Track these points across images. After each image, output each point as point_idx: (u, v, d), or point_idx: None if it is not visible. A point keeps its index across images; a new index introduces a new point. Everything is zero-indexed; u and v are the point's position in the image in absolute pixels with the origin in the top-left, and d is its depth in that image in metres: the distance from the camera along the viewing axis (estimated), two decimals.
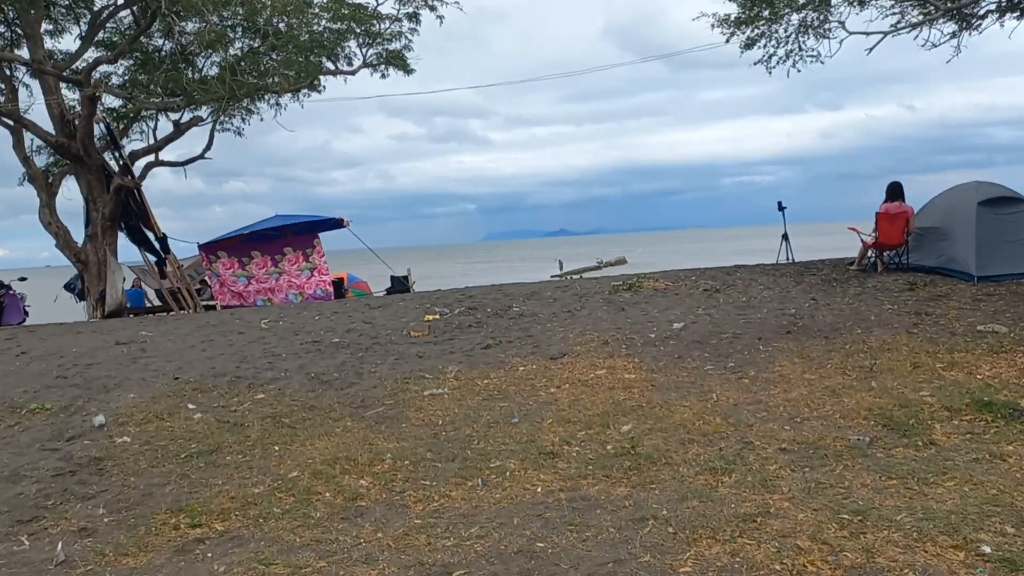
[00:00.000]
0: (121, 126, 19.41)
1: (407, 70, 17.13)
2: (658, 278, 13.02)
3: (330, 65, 16.95)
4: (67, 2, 18.69)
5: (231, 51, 14.53)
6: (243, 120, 18.62)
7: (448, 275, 44.00)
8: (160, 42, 17.51)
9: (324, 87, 17.25)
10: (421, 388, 7.84)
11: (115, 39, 18.76)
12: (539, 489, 5.05)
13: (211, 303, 18.22)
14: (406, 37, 16.75)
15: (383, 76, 16.63)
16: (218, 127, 19.50)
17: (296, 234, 20.29)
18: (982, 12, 15.17)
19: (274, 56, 15.46)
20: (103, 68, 17.78)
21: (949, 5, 14.72)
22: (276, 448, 6.21)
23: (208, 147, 19.71)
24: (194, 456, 6.03)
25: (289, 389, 7.92)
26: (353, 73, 17.19)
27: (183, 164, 19.74)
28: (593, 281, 13.58)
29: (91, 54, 18.28)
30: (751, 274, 13.10)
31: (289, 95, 16.84)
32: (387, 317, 11.52)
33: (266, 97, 16.88)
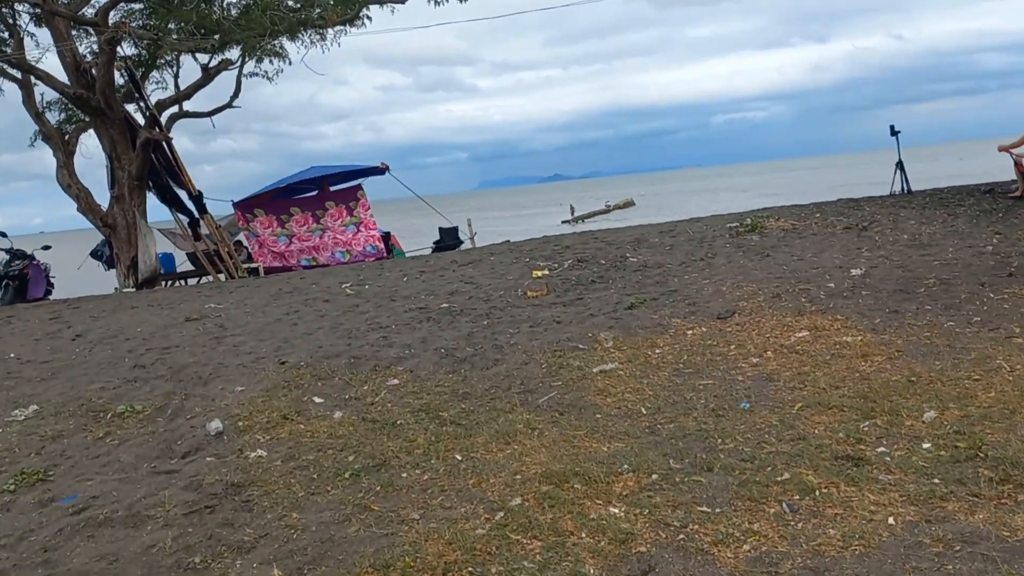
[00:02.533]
0: (138, 74, 17.63)
1: None
2: (779, 216, 11.51)
3: None
4: None
5: None
6: (281, 61, 16.77)
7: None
8: None
9: (370, 19, 15.47)
10: (583, 363, 6.41)
11: None
12: (890, 519, 3.61)
13: (252, 266, 16.68)
14: None
15: (437, 4, 14.86)
16: (247, 72, 17.77)
17: (334, 185, 18.72)
18: None
19: None
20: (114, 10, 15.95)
21: None
22: (458, 458, 4.77)
23: (236, 94, 18.04)
24: (359, 475, 4.59)
25: (423, 371, 6.47)
26: (403, 1, 15.41)
27: (209, 114, 18.07)
28: (701, 223, 12.06)
29: None
30: (885, 208, 11.58)
31: (333, 30, 15.05)
32: (487, 275, 10.04)
33: (307, 33, 15.07)
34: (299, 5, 13.86)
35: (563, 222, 51.55)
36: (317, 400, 5.88)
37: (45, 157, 16.04)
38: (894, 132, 13.30)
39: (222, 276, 16.15)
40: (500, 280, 9.60)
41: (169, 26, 14.44)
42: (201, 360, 7.00)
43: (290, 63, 17.04)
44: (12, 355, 7.85)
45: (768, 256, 9.22)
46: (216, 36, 13.50)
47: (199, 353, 7.26)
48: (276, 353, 7.08)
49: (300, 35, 14.72)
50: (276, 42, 15.06)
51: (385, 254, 17.59)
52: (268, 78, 18.12)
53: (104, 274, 17.93)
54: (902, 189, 13.43)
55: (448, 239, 19.59)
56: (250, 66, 17.88)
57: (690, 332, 7.00)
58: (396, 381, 6.26)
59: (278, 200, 17.85)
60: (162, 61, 17.97)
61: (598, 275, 9.30)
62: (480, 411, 5.55)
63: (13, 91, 17.33)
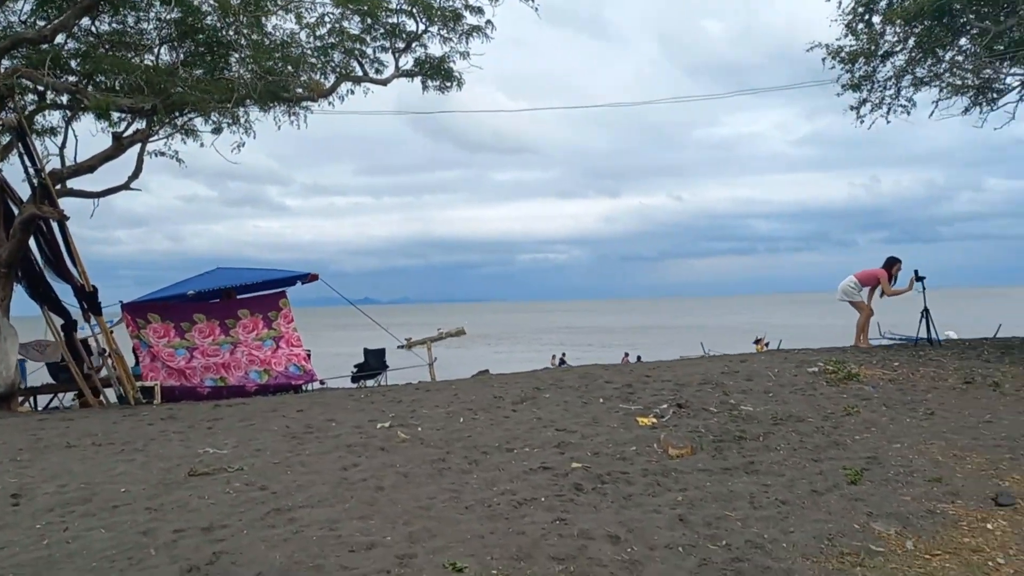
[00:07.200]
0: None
1: (452, 81, 13.15)
2: (863, 363, 9.98)
3: (358, 70, 12.87)
4: None
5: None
6: (243, 132, 13.41)
7: None
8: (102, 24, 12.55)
9: (352, 92, 13.09)
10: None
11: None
12: None
13: (146, 384, 13.13)
14: (453, 39, 12.88)
15: (424, 88, 12.79)
16: (151, 150, 14.71)
17: (243, 294, 15.63)
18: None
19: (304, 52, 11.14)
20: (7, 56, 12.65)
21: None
22: None
23: (136, 174, 14.81)
24: None
25: None
26: (384, 83, 13.18)
27: (100, 195, 14.69)
28: (758, 363, 10.23)
29: None
30: (957, 358, 10.37)
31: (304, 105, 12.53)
32: (572, 420, 7.67)
33: (275, 106, 12.43)
34: (290, 65, 11.19)
35: (399, 347, 49.86)
36: None
37: None
38: (919, 278, 12.40)
39: (100, 398, 12.66)
40: (601, 428, 7.30)
41: (93, 77, 11.41)
42: (302, 559, 4.20)
43: (253, 135, 13.72)
44: None
45: (933, 414, 7.57)
46: (164, 98, 10.57)
47: (280, 543, 4.43)
48: (419, 547, 4.40)
49: (270, 106, 12.07)
50: (239, 111, 12.18)
51: (313, 376, 14.62)
52: (179, 160, 15.10)
53: None
54: (928, 337, 12.44)
55: (374, 362, 16.85)
56: (159, 144, 14.83)
57: (989, 525, 5.07)
58: None
59: (178, 304, 14.56)
60: (43, 126, 14.60)
61: (736, 429, 7.21)
62: None
63: None
